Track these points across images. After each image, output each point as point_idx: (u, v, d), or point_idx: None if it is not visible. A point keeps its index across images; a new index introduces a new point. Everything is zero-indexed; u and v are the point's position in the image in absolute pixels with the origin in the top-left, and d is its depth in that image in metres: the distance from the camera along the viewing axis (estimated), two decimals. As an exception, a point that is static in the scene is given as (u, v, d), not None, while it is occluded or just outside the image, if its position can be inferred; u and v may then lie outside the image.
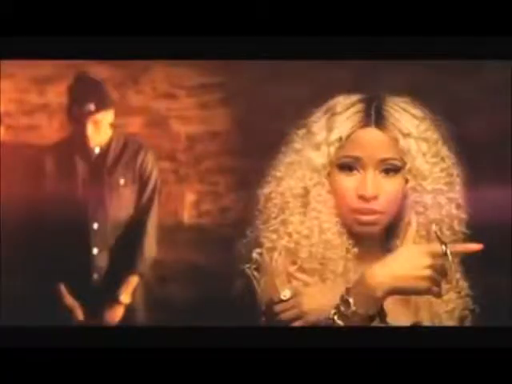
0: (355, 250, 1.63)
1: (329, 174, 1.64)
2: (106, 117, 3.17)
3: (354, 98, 1.66)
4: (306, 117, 1.69)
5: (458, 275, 1.67)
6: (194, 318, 3.23)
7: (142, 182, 3.23)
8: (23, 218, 3.13)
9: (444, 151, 1.66)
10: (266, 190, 1.67)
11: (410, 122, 1.63)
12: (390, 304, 1.52)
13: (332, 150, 1.63)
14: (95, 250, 3.17)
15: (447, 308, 1.66)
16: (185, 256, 3.71)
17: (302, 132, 1.68)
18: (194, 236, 3.73)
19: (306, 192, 1.64)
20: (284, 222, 1.64)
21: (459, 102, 3.05)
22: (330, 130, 1.63)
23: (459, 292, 1.68)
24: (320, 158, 1.64)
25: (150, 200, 3.23)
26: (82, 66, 3.19)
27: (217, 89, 3.69)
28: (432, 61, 2.32)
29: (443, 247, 1.48)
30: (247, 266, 1.64)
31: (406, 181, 1.63)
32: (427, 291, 1.49)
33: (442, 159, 1.65)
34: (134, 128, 3.71)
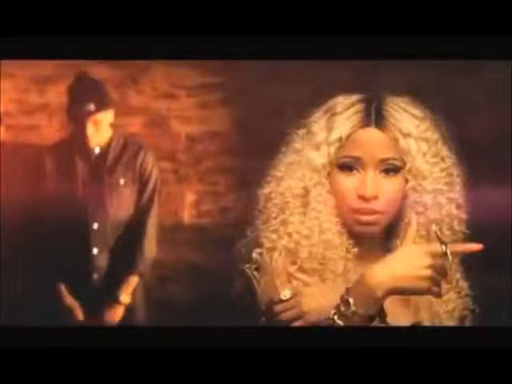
0: (355, 250, 1.63)
1: (329, 174, 1.64)
2: (106, 117, 3.17)
3: (354, 97, 1.66)
4: (306, 117, 1.69)
5: (458, 275, 1.67)
6: (194, 317, 3.23)
7: (141, 182, 3.23)
8: (23, 217, 3.13)
9: (444, 151, 1.66)
10: (266, 190, 1.67)
11: (410, 122, 1.63)
12: (390, 304, 1.52)
13: (332, 149, 1.63)
14: (95, 250, 3.17)
15: (447, 308, 1.66)
16: (185, 256, 3.71)
17: (301, 132, 1.68)
18: (194, 236, 3.73)
19: (306, 192, 1.64)
20: (284, 222, 1.64)
21: (459, 102, 3.05)
22: (329, 129, 1.63)
23: (459, 292, 1.68)
24: (320, 157, 1.64)
25: (150, 200, 3.23)
26: (82, 65, 3.19)
27: (217, 89, 3.69)
28: (432, 61, 2.32)
29: (443, 247, 1.48)
30: (247, 266, 1.64)
31: (406, 181, 1.63)
32: (427, 291, 1.49)
33: (442, 159, 1.65)
34: (134, 128, 3.71)
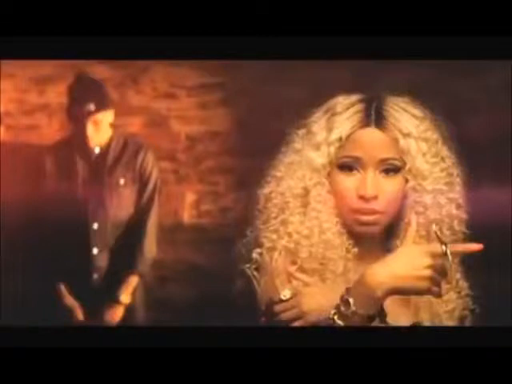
0: (355, 250, 1.63)
1: (329, 174, 1.64)
2: (106, 117, 3.17)
3: (354, 97, 1.66)
4: (306, 117, 1.69)
5: (458, 275, 1.67)
6: (194, 317, 3.23)
7: (142, 182, 3.23)
8: (23, 217, 3.14)
9: (444, 151, 1.65)
10: (266, 190, 1.67)
11: (409, 122, 1.63)
12: (390, 304, 1.51)
13: (332, 150, 1.62)
14: (95, 250, 3.17)
15: (447, 308, 1.66)
16: (185, 256, 3.72)
17: (301, 132, 1.68)
18: (194, 236, 3.74)
19: (306, 192, 1.64)
20: (284, 222, 1.64)
21: (459, 102, 3.05)
22: (330, 130, 1.63)
23: (459, 292, 1.67)
24: (320, 157, 1.63)
25: (150, 200, 3.23)
26: (82, 65, 3.19)
27: (217, 89, 3.70)
28: (432, 61, 2.32)
29: (443, 247, 1.48)
30: (247, 266, 1.64)
31: (406, 181, 1.63)
32: (427, 291, 1.49)
33: (442, 159, 1.65)
34: (134, 128, 3.71)
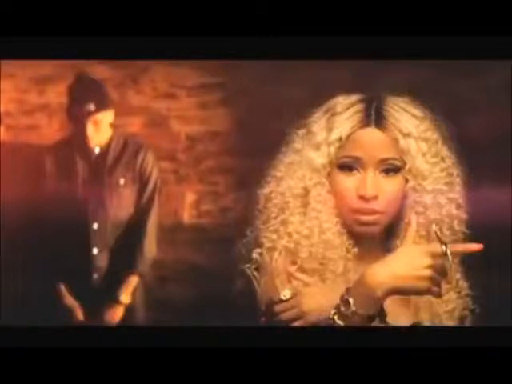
0: (355, 250, 1.63)
1: (329, 174, 1.64)
2: (106, 117, 3.17)
3: (354, 97, 1.66)
4: (305, 117, 1.69)
5: (458, 275, 1.67)
6: (194, 317, 3.24)
7: (142, 182, 3.23)
8: (23, 217, 3.14)
9: (444, 151, 1.65)
10: (266, 190, 1.67)
11: (409, 122, 1.63)
12: (390, 304, 1.51)
13: (332, 150, 1.62)
14: (95, 250, 3.17)
15: (447, 308, 1.66)
16: (185, 256, 3.72)
17: (301, 132, 1.68)
18: (194, 236, 3.74)
19: (306, 192, 1.64)
20: (284, 222, 1.64)
21: (459, 102, 3.05)
22: (330, 130, 1.63)
23: (459, 292, 1.67)
24: (320, 157, 1.64)
25: (150, 200, 3.23)
26: (82, 65, 3.19)
27: (217, 89, 3.70)
28: (432, 61, 2.32)
29: (443, 247, 1.48)
30: (247, 266, 1.64)
31: (406, 181, 1.63)
32: (427, 291, 1.49)
33: (442, 159, 1.65)
34: (134, 128, 3.71)
